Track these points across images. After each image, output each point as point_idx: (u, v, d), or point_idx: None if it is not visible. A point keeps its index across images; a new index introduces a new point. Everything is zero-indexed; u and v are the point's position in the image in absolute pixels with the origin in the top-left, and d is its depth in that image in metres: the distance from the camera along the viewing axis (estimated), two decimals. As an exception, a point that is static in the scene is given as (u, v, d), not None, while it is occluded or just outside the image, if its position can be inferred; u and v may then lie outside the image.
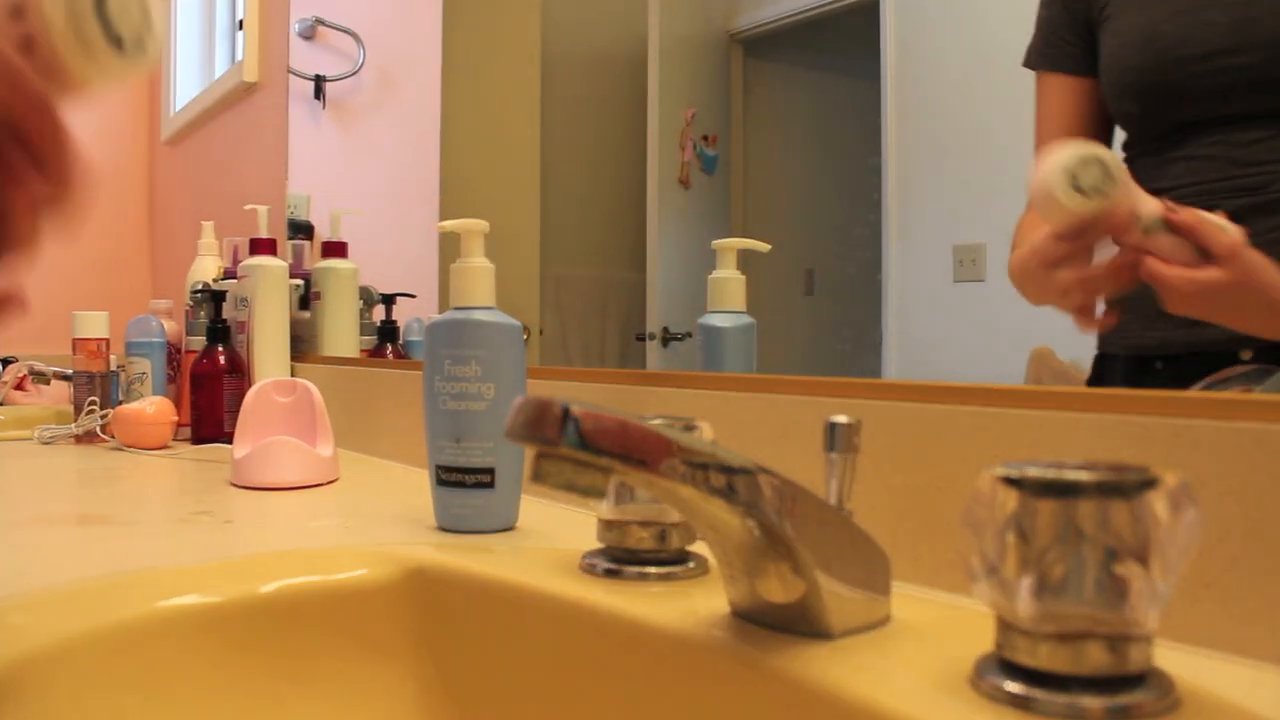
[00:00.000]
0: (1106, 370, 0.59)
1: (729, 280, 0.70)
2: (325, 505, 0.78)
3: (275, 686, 0.51)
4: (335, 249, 1.24)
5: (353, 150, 1.44)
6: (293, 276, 1.26)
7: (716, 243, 0.71)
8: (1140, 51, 0.59)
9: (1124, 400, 0.43)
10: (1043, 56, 0.64)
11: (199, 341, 1.20)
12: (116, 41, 0.36)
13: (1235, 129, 0.54)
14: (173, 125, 2.07)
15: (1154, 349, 0.57)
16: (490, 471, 0.63)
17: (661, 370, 0.87)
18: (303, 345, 1.24)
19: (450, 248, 0.67)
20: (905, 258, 0.73)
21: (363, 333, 1.24)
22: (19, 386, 1.60)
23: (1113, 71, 0.60)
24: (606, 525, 0.50)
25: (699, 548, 0.51)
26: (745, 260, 0.71)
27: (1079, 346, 0.60)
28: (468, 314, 0.64)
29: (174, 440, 1.16)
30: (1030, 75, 0.65)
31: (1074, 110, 0.63)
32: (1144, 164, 0.58)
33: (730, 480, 0.35)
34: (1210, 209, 0.53)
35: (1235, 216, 0.52)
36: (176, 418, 1.16)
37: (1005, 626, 0.33)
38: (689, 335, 0.75)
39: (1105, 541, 0.31)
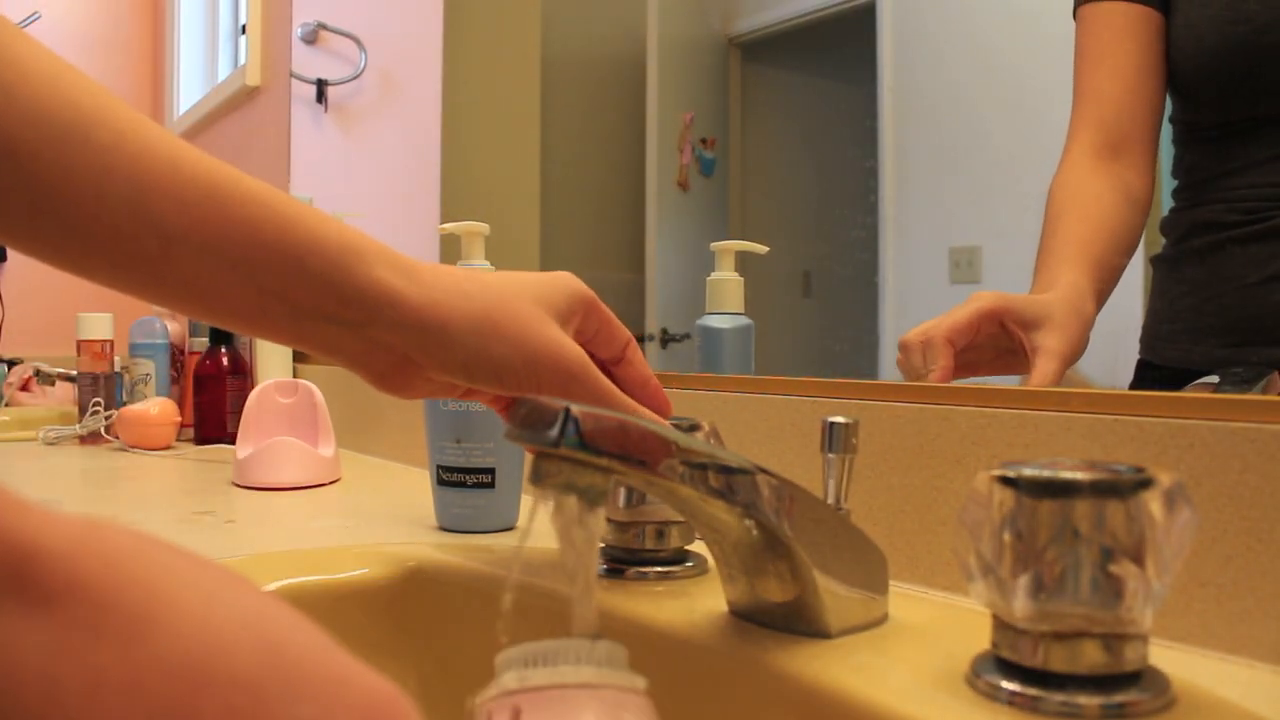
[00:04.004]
0: (1149, 378, 0.56)
1: (727, 282, 0.70)
2: (327, 505, 0.79)
3: (277, 686, 0.51)
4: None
5: (354, 153, 1.44)
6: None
7: (715, 245, 0.71)
8: (1219, 30, 0.51)
9: (1119, 400, 0.43)
10: None
11: (202, 343, 1.21)
12: None
13: None
14: (176, 129, 2.07)
15: (1200, 364, 0.53)
16: (490, 472, 0.63)
17: (660, 371, 0.88)
18: (304, 347, 1.25)
19: (451, 250, 0.67)
20: (902, 260, 0.74)
21: (364, 334, 1.24)
22: (24, 388, 1.61)
23: (1186, 43, 0.52)
24: (606, 525, 0.51)
25: (698, 547, 0.51)
26: (743, 262, 0.71)
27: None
28: (469, 316, 0.64)
29: (177, 441, 1.17)
30: (1023, 79, 0.65)
31: (1149, 42, 0.53)
32: (1203, 154, 0.53)
33: (729, 480, 0.36)
34: (1270, 217, 0.49)
35: None
36: (180, 418, 1.16)
37: (1002, 625, 0.33)
38: (687, 336, 0.76)
39: (1101, 541, 0.31)
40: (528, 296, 0.42)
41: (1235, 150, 0.52)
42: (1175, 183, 0.57)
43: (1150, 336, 0.57)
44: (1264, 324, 0.52)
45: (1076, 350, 0.51)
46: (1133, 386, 0.57)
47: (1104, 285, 0.54)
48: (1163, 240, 0.58)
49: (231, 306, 0.39)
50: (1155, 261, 0.58)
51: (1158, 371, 0.56)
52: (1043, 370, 0.49)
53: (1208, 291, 0.55)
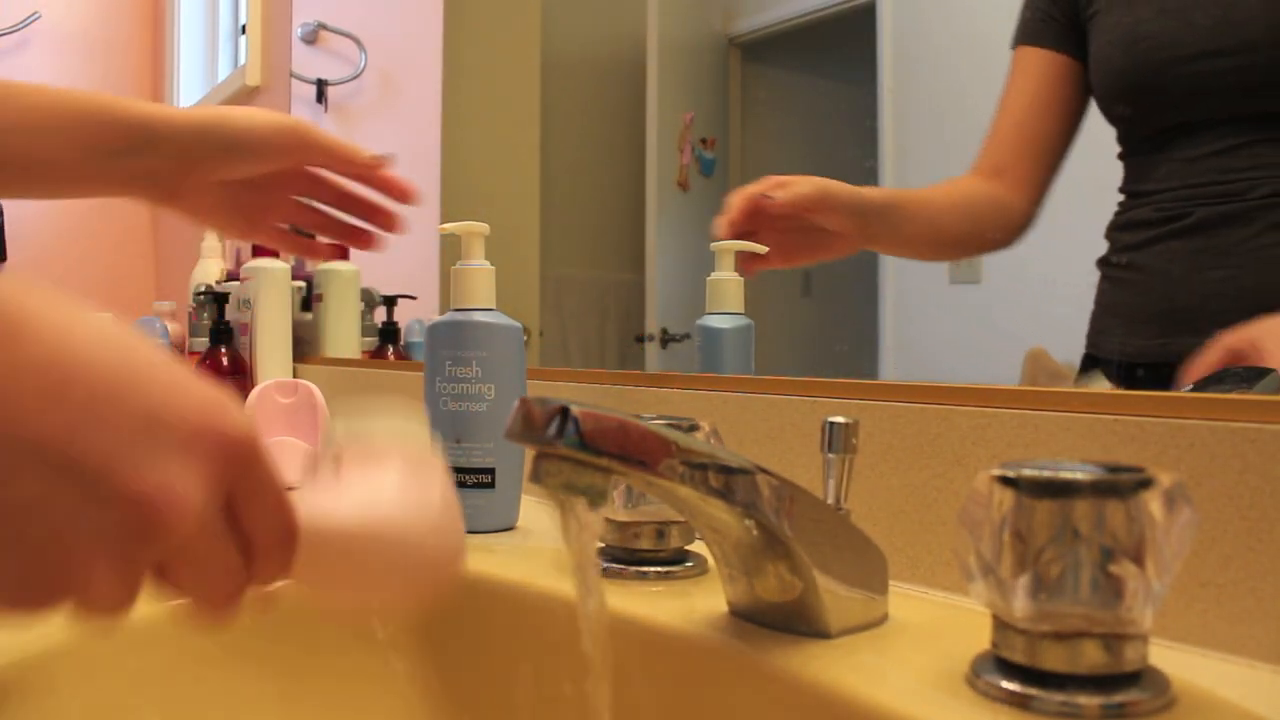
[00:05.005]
0: (1088, 368, 0.60)
1: (727, 282, 0.70)
2: (327, 506, 0.78)
3: (278, 684, 0.51)
4: (337, 251, 1.25)
5: (354, 153, 1.44)
6: (295, 279, 1.27)
7: (715, 245, 0.71)
8: (1125, 53, 0.58)
9: (1119, 400, 0.43)
10: (1021, 32, 0.63)
11: (202, 343, 1.21)
12: None
13: (1220, 133, 0.54)
14: (175, 128, 2.07)
15: (1135, 356, 0.57)
16: (490, 472, 0.63)
17: (660, 371, 0.88)
18: (305, 347, 1.25)
19: (451, 250, 0.68)
20: (902, 260, 0.74)
21: (364, 334, 1.24)
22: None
23: (1099, 73, 0.59)
24: (606, 525, 0.51)
25: (698, 547, 0.52)
26: (743, 262, 0.71)
27: (1074, 347, 0.60)
28: (468, 315, 0.64)
29: (176, 442, 1.16)
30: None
31: (1048, 85, 0.61)
32: (1134, 164, 0.58)
33: (729, 480, 0.36)
34: (1188, 214, 0.55)
35: (1211, 223, 0.54)
36: (179, 419, 1.16)
37: (1001, 625, 0.33)
38: (688, 336, 0.76)
39: (1101, 541, 0.31)
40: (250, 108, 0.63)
41: (1158, 157, 0.57)
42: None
43: (1093, 331, 0.61)
44: (1190, 315, 0.55)
45: (821, 188, 0.67)
46: (1079, 379, 0.59)
47: (899, 209, 0.68)
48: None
49: (56, 168, 0.57)
50: (1098, 263, 0.60)
51: (1103, 365, 0.60)
52: (789, 189, 0.67)
53: (1139, 287, 0.59)
